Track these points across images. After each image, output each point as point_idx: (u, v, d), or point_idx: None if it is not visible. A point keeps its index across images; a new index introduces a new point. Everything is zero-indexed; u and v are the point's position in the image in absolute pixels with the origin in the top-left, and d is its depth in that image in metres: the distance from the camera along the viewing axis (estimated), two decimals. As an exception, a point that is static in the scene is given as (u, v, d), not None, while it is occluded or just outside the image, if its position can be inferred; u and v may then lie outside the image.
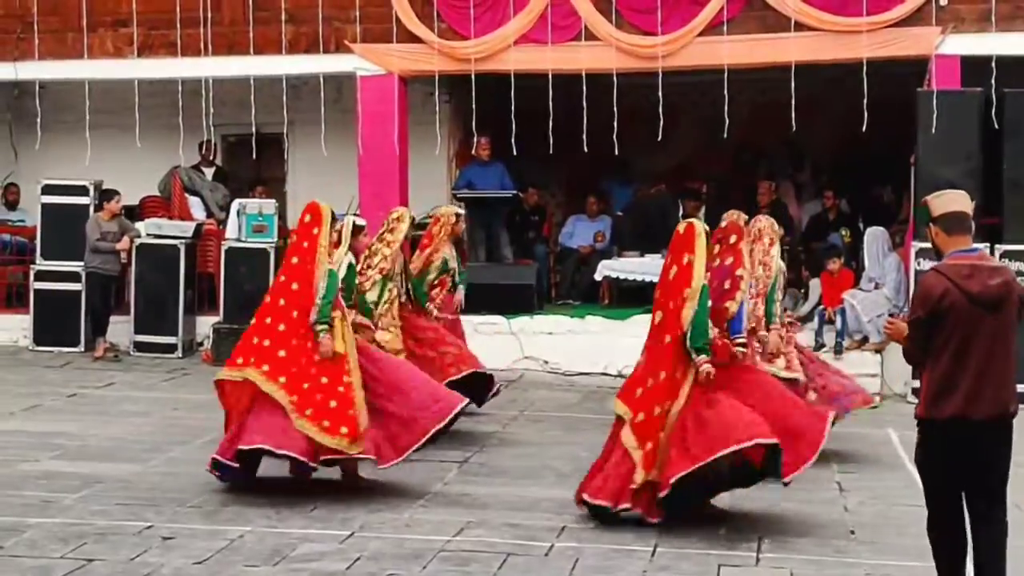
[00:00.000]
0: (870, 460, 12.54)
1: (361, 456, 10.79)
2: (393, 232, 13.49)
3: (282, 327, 10.92)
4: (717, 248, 11.41)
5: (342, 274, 11.27)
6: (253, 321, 11.15)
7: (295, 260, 11.11)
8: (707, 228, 10.56)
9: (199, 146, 20.51)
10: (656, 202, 20.30)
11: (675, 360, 10.11)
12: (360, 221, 11.95)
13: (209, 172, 20.90)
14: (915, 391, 13.46)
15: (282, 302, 11.03)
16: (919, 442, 7.45)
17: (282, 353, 10.85)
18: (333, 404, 10.69)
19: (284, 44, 18.85)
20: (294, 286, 10.99)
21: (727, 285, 11.10)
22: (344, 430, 10.60)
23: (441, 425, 11.01)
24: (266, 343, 10.92)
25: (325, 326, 10.81)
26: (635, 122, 17.81)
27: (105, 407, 15.07)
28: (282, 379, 10.78)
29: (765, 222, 12.92)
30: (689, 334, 10.03)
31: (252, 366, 10.89)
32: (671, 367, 10.10)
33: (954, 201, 7.54)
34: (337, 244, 11.51)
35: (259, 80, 18.81)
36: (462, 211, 15.34)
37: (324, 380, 10.78)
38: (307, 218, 11.18)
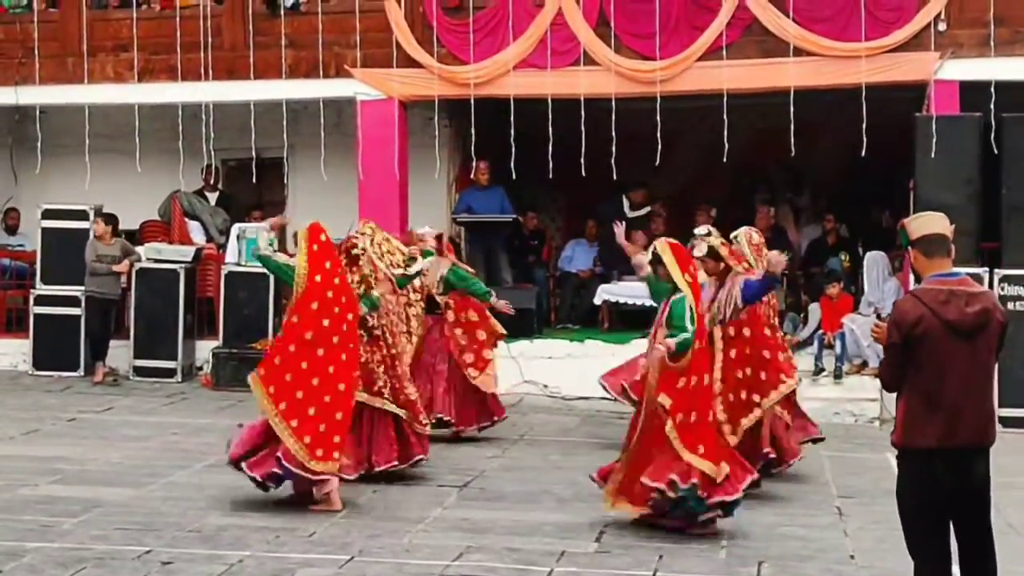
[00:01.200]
0: (869, 485, 12.52)
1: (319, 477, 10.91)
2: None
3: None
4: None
5: None
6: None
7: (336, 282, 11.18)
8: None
9: (201, 171, 20.53)
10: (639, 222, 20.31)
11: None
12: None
13: (212, 197, 20.92)
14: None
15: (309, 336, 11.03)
16: (899, 471, 7.31)
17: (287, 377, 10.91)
18: (322, 428, 10.80)
19: (284, 69, 18.89)
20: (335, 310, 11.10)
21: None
22: (319, 452, 10.79)
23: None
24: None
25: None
26: (634, 147, 17.80)
27: (104, 431, 15.05)
28: (271, 388, 10.88)
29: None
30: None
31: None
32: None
33: (932, 223, 7.35)
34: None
35: (259, 105, 18.85)
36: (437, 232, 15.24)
37: (327, 399, 10.85)
38: (309, 239, 11.19)
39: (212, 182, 20.95)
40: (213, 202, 20.88)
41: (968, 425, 7.04)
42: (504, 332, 14.97)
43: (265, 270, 16.79)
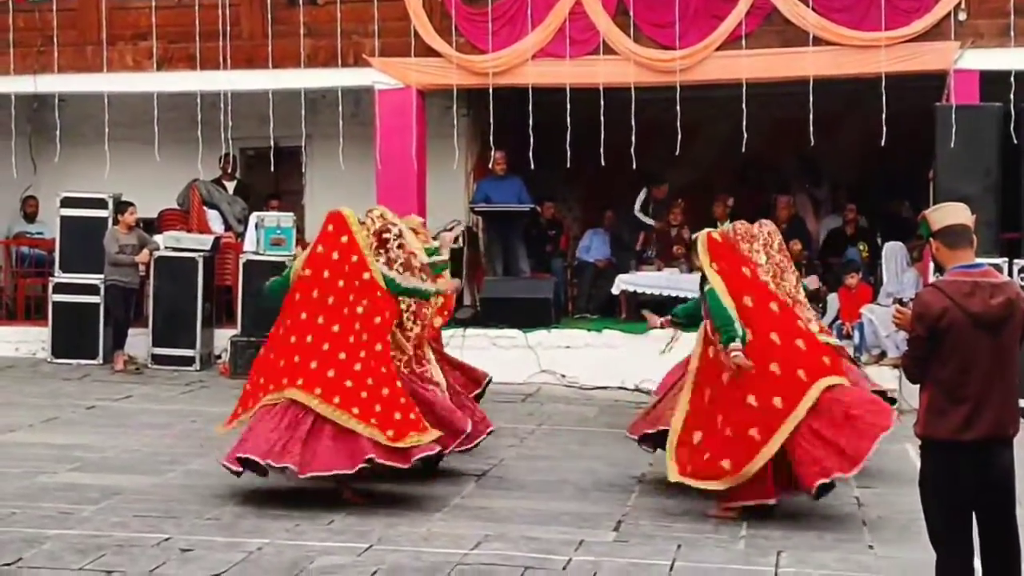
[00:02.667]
0: (888, 475, 12.48)
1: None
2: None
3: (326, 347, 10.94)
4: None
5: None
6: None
7: (366, 276, 11.11)
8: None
9: (219, 159, 20.54)
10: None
11: None
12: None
13: (231, 186, 20.93)
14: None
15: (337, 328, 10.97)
16: (921, 462, 7.27)
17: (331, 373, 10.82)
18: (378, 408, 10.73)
19: (303, 58, 18.89)
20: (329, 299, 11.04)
21: None
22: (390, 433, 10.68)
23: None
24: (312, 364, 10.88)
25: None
26: (653, 136, 17.78)
27: (123, 419, 15.09)
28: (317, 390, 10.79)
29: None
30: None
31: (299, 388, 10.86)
32: None
33: (954, 214, 7.30)
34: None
35: (277, 94, 18.85)
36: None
37: (370, 382, 10.80)
38: (331, 227, 11.18)
39: (230, 171, 20.96)
40: (231, 191, 20.89)
41: (991, 416, 7.00)
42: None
43: (283, 258, 16.98)
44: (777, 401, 10.40)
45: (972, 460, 7.00)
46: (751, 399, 10.43)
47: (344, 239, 11.14)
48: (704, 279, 10.93)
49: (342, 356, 10.80)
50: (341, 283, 11.00)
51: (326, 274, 11.08)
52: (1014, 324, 7.08)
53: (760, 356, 10.49)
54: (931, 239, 7.26)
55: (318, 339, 10.90)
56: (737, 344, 10.39)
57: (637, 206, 20.33)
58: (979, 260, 7.28)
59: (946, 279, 7.14)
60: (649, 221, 20.25)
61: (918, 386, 7.26)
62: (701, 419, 10.73)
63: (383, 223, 11.96)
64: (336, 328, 10.89)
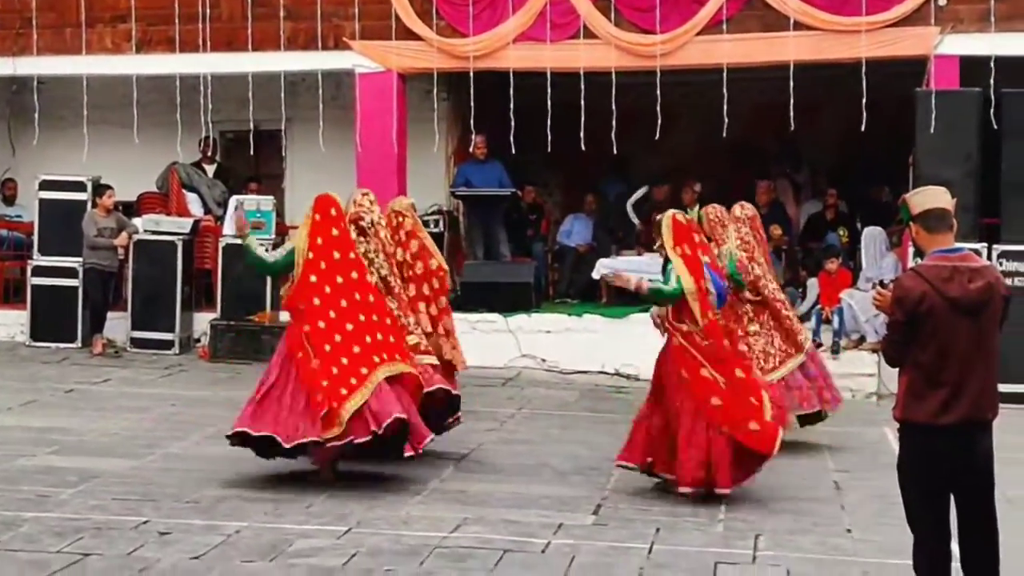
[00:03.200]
0: (866, 459, 12.54)
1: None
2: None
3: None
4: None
5: None
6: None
7: (351, 256, 11.13)
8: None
9: (199, 143, 20.50)
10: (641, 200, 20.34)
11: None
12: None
13: (210, 169, 20.89)
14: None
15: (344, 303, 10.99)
16: (900, 446, 7.27)
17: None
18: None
19: (283, 41, 18.83)
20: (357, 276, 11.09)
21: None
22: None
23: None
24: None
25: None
26: (634, 121, 17.77)
27: (102, 403, 15.06)
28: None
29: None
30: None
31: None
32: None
33: (934, 198, 7.26)
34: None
35: (257, 77, 18.82)
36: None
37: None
38: (318, 216, 11.16)
39: (210, 154, 20.92)
40: (211, 174, 20.86)
41: (969, 401, 6.99)
42: None
43: (263, 241, 16.90)
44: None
45: (950, 444, 7.00)
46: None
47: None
48: (667, 261, 10.88)
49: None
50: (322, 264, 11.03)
51: (350, 255, 11.12)
52: (993, 308, 7.07)
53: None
54: (911, 223, 7.24)
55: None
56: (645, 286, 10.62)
57: (631, 200, 20.32)
58: (961, 245, 7.26)
59: (925, 263, 7.12)
60: (635, 220, 20.23)
61: (897, 370, 7.27)
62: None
63: (357, 211, 11.93)
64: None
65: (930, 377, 7.01)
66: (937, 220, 7.16)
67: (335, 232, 11.06)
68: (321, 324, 10.78)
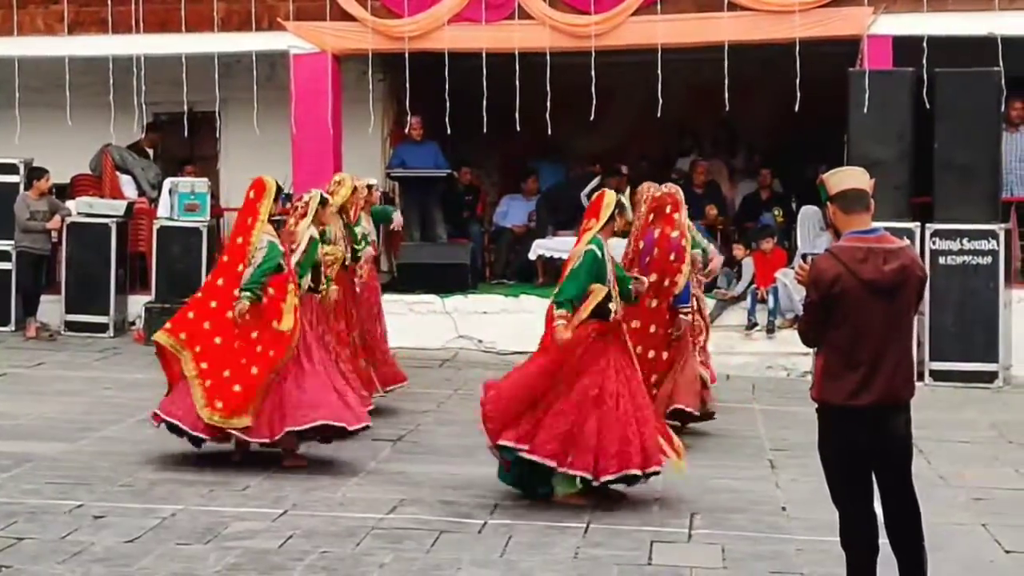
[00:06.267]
0: (801, 438, 12.56)
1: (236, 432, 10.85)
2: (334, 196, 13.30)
3: (214, 304, 11.00)
4: (651, 217, 11.91)
5: (303, 247, 11.39)
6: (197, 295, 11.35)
7: (239, 240, 11.14)
8: (622, 198, 10.68)
9: (142, 129, 20.39)
10: (583, 182, 20.27)
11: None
12: (326, 195, 12.16)
13: (151, 153, 20.80)
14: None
15: (220, 282, 11.13)
16: (818, 427, 7.29)
17: (207, 325, 10.98)
18: (237, 388, 10.77)
19: (217, 21, 18.72)
20: (239, 267, 11.00)
21: (672, 257, 11.64)
22: (219, 404, 10.75)
23: (330, 422, 10.93)
24: (205, 325, 11.00)
25: (248, 293, 10.80)
26: (569, 102, 17.78)
27: (36, 386, 14.96)
28: (197, 348, 10.90)
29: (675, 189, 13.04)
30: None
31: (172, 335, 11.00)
32: None
33: (851, 178, 7.28)
34: (303, 216, 11.69)
35: (191, 58, 18.69)
36: (374, 181, 15.07)
37: (243, 361, 10.82)
38: (251, 194, 11.24)
39: (152, 146, 20.82)
40: (152, 158, 20.76)
41: (884, 381, 7.03)
42: None
43: (198, 224, 16.88)
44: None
45: (866, 424, 7.05)
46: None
47: (259, 205, 11.21)
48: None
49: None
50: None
51: (239, 240, 11.35)
52: (908, 290, 7.11)
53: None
54: (828, 203, 7.27)
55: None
56: (564, 313, 10.09)
57: (586, 191, 20.28)
58: (878, 225, 7.25)
59: (840, 244, 7.14)
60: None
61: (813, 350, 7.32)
62: None
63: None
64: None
65: (845, 358, 7.05)
66: (853, 201, 7.18)
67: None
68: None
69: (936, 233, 16.21)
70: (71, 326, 18.63)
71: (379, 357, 13.83)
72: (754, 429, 13.21)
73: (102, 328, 18.58)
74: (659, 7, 17.67)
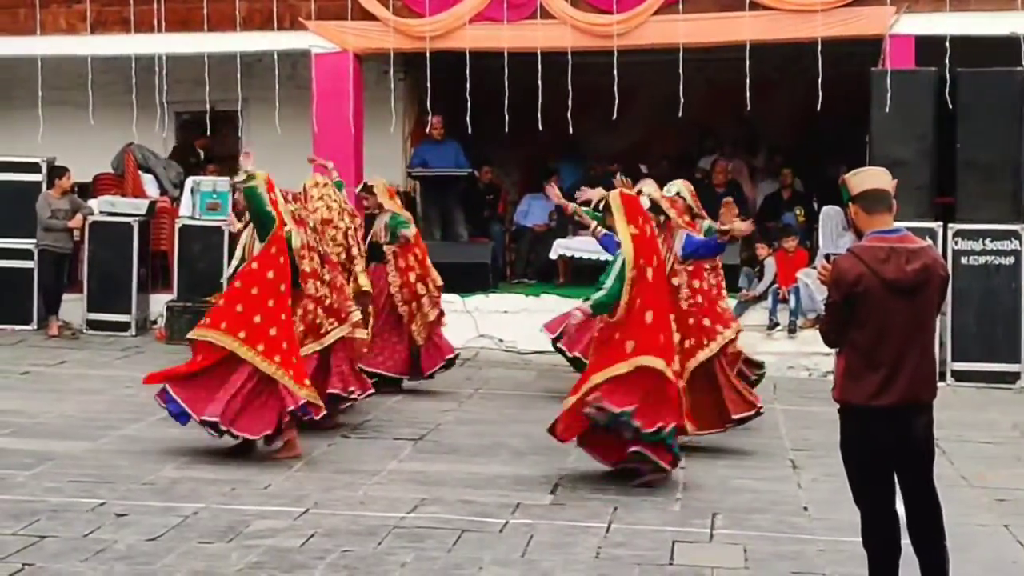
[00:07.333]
0: (823, 438, 12.53)
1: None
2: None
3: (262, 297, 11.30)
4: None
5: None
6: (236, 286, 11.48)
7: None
8: (656, 198, 10.86)
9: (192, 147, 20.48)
10: (602, 182, 20.23)
11: None
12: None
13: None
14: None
15: (271, 275, 11.33)
16: (840, 427, 7.28)
17: (257, 319, 11.15)
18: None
19: (238, 20, 18.75)
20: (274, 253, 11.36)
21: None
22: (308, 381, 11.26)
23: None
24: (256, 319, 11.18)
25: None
26: (590, 101, 17.78)
27: (58, 385, 14.99)
28: (260, 347, 11.04)
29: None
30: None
31: (227, 332, 11.13)
32: None
33: (873, 178, 7.27)
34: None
35: (213, 57, 18.72)
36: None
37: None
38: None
39: (204, 148, 20.86)
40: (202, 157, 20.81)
41: (906, 382, 7.02)
42: (441, 283, 14.94)
43: (219, 223, 16.90)
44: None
45: (887, 425, 7.04)
46: None
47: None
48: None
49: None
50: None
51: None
52: (930, 290, 7.09)
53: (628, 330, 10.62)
54: (850, 203, 7.25)
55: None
56: (587, 309, 10.63)
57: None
58: (900, 225, 7.24)
59: (863, 244, 7.13)
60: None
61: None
62: None
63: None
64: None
65: (867, 358, 7.04)
66: (875, 201, 7.17)
67: None
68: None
69: (958, 233, 16.18)
70: (93, 325, 18.67)
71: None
72: (776, 429, 13.18)
73: (124, 327, 18.62)
74: (681, 6, 17.65)
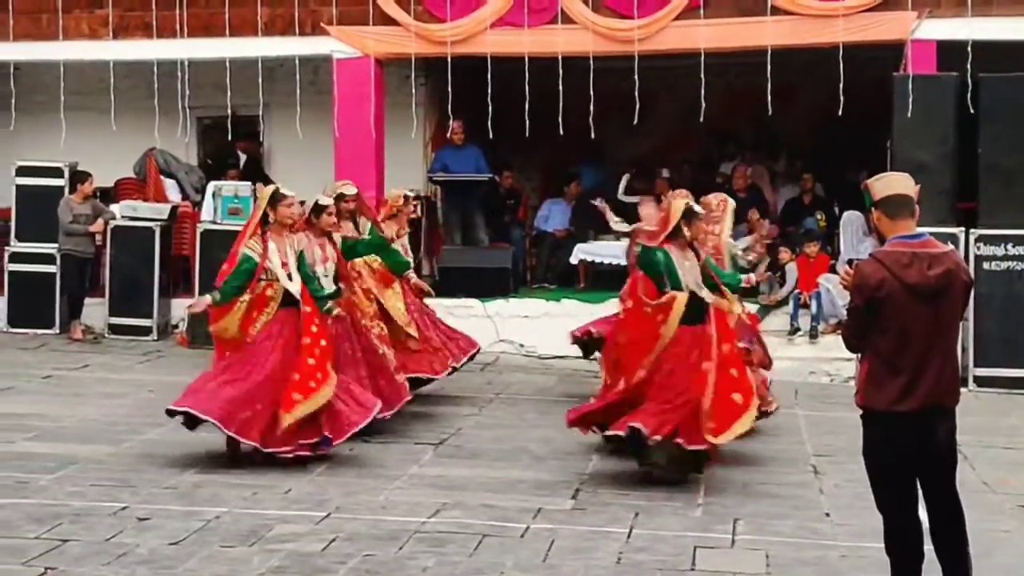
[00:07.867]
0: (845, 444, 12.52)
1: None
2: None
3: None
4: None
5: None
6: None
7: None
8: (692, 205, 10.97)
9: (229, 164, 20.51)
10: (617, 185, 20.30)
11: None
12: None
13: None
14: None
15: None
16: (862, 432, 7.27)
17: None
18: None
19: (260, 26, 18.76)
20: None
21: None
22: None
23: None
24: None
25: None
26: (611, 106, 17.78)
27: (80, 389, 15.04)
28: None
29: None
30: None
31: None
32: None
33: (896, 183, 7.27)
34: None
35: (235, 62, 18.74)
36: (411, 193, 15.13)
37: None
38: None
39: (246, 151, 20.85)
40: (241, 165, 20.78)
41: (928, 387, 7.00)
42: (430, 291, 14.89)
43: (240, 227, 16.97)
44: None
45: (909, 430, 7.02)
46: None
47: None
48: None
49: None
50: None
51: None
52: (953, 295, 7.08)
53: None
54: (873, 208, 7.26)
55: None
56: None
57: (620, 190, 20.26)
58: (923, 230, 7.25)
59: (885, 249, 7.13)
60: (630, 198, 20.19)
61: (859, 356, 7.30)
62: None
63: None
64: None
65: (889, 363, 7.03)
66: (898, 206, 7.17)
67: None
68: None
69: (981, 238, 16.14)
70: (115, 329, 18.72)
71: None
72: (797, 435, 13.16)
73: (146, 331, 18.66)
74: (702, 11, 17.62)
